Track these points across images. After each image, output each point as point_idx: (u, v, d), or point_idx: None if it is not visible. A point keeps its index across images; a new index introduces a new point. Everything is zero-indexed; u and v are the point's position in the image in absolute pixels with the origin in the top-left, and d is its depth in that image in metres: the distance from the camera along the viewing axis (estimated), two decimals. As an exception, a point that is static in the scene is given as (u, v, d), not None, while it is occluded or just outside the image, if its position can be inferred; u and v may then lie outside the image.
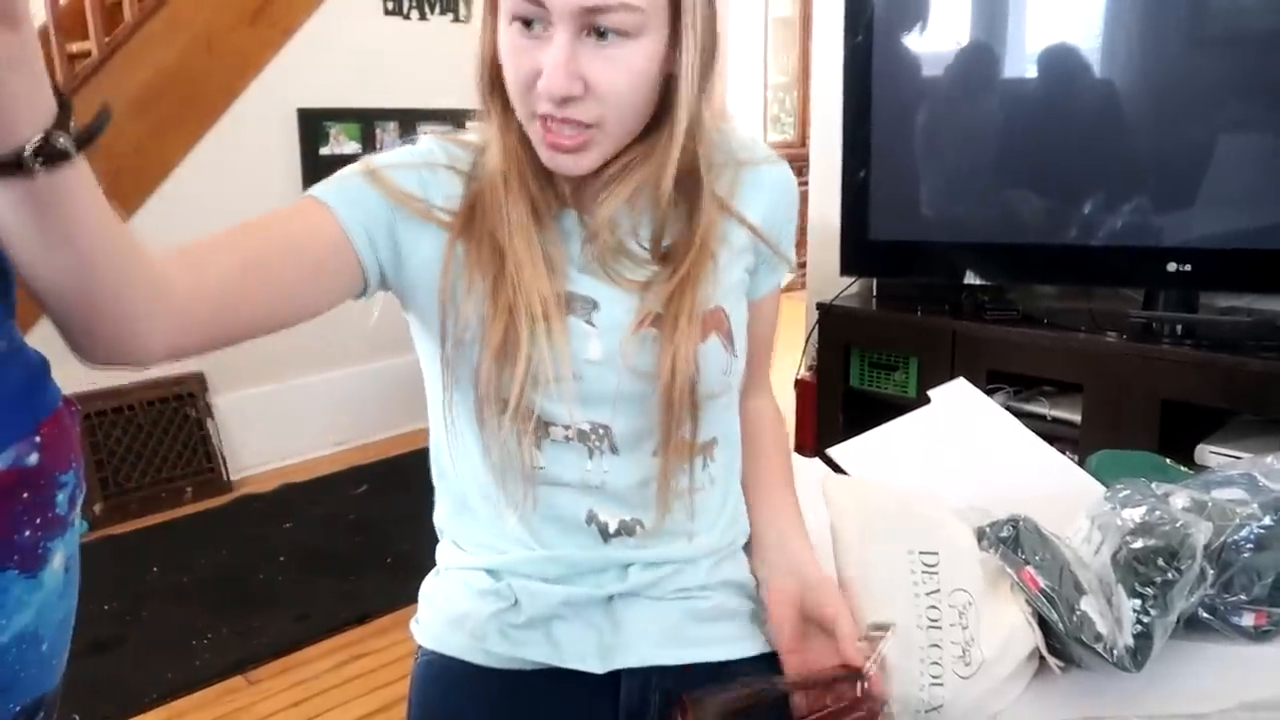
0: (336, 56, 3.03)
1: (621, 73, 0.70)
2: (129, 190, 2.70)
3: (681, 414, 0.78)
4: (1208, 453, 1.97)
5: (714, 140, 0.82)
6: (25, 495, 0.62)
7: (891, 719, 0.78)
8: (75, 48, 2.66)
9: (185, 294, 0.63)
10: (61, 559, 0.65)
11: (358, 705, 1.88)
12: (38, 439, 0.63)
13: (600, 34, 0.69)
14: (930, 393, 1.31)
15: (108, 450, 2.68)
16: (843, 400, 2.56)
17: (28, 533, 0.62)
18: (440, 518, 0.90)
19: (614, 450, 0.80)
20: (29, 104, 0.46)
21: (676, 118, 0.75)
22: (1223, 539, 0.86)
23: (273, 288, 0.69)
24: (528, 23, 0.69)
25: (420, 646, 0.88)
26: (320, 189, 0.75)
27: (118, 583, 2.32)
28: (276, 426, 3.03)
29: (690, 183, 0.79)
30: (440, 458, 0.87)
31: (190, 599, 2.26)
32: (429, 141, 0.81)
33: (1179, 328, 2.10)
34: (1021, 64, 2.25)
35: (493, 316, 0.75)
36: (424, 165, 0.79)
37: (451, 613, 0.85)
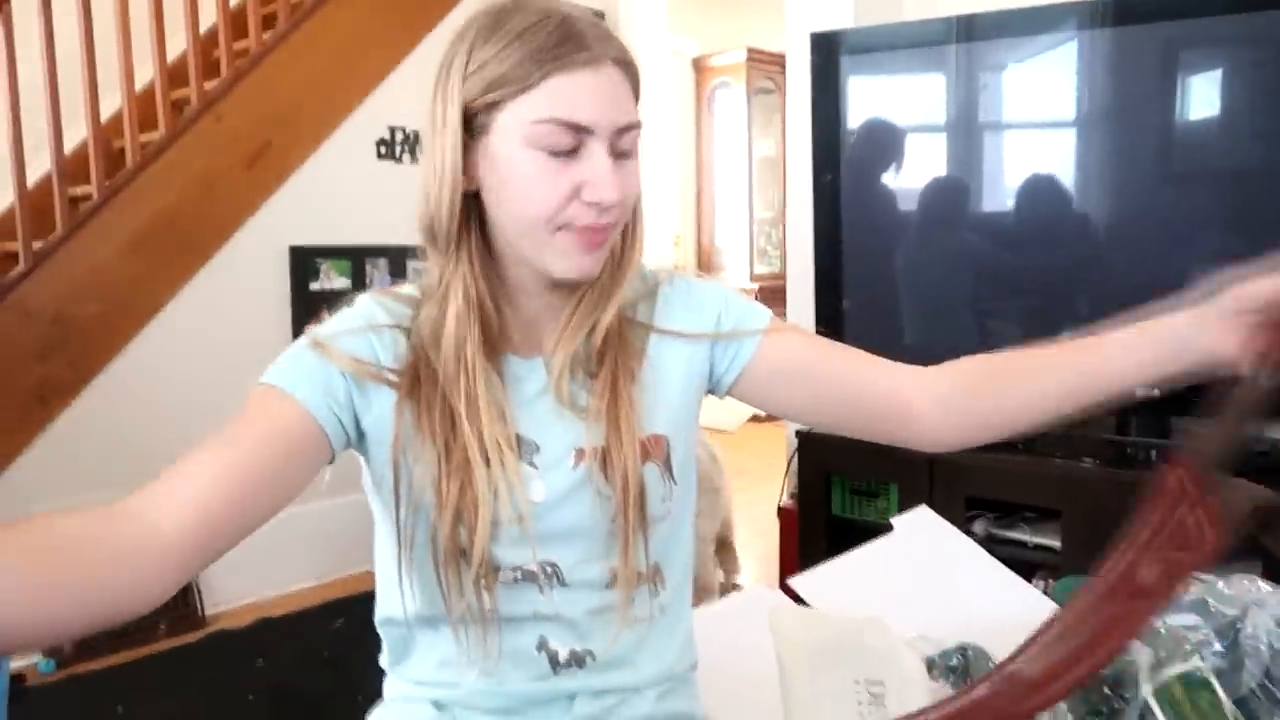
0: (329, 197, 3.15)
1: (636, 180, 0.80)
2: (123, 324, 2.75)
3: (634, 535, 0.80)
4: (1188, 579, 1.94)
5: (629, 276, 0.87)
6: None
7: None
8: (78, 190, 2.77)
9: (173, 542, 0.64)
10: None
11: None
12: None
13: (619, 155, 0.77)
14: (893, 519, 1.31)
15: (82, 585, 2.64)
16: (826, 528, 2.55)
17: None
18: (386, 659, 0.90)
19: (563, 584, 0.81)
20: None
21: (637, 236, 0.83)
22: (1171, 670, 0.86)
23: (259, 500, 0.71)
24: (560, 152, 0.75)
25: (367, 777, 0.86)
26: (276, 376, 0.77)
27: (82, 725, 2.25)
28: (255, 560, 2.98)
29: (620, 316, 0.84)
30: (388, 608, 0.87)
31: (156, 742, 2.18)
32: (367, 301, 0.84)
33: (1153, 453, 2.11)
34: (994, 198, 2.35)
35: (448, 475, 0.76)
36: (368, 328, 0.81)
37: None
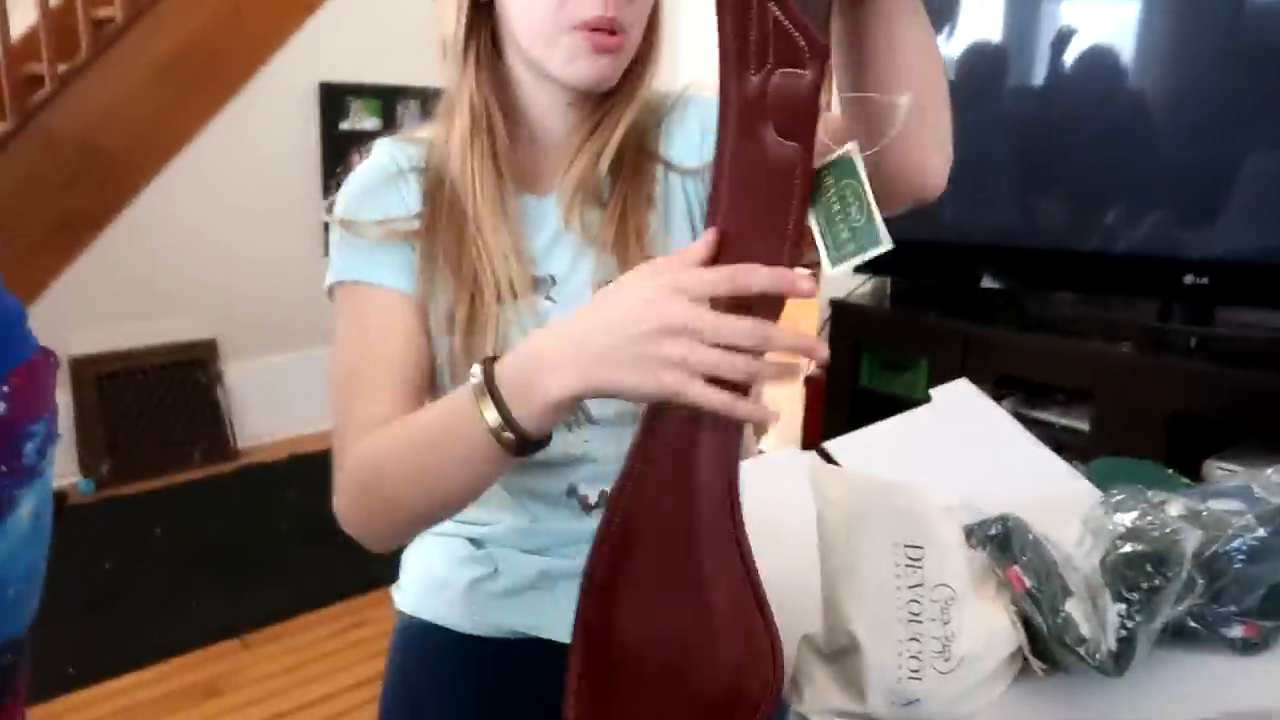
0: (361, 31, 3.03)
1: None
2: (151, 155, 2.71)
3: None
4: (1215, 469, 1.94)
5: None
6: None
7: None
8: (101, 13, 2.67)
9: None
10: (30, 507, 0.66)
11: (349, 673, 1.89)
12: (5, 388, 0.63)
13: None
14: (932, 391, 1.30)
15: (117, 412, 2.70)
16: (851, 399, 2.55)
17: None
18: None
19: (590, 420, 0.80)
20: None
21: (653, 50, 0.78)
22: (1215, 549, 0.85)
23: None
24: None
25: (400, 611, 0.89)
26: (349, 270, 0.78)
27: (119, 542, 2.34)
28: (287, 396, 3.04)
29: (630, 144, 0.80)
30: None
31: (190, 562, 2.27)
32: (384, 148, 0.83)
33: (1193, 341, 2.07)
34: (1049, 67, 2.23)
35: (465, 309, 0.76)
36: (383, 183, 0.80)
37: (431, 579, 0.86)
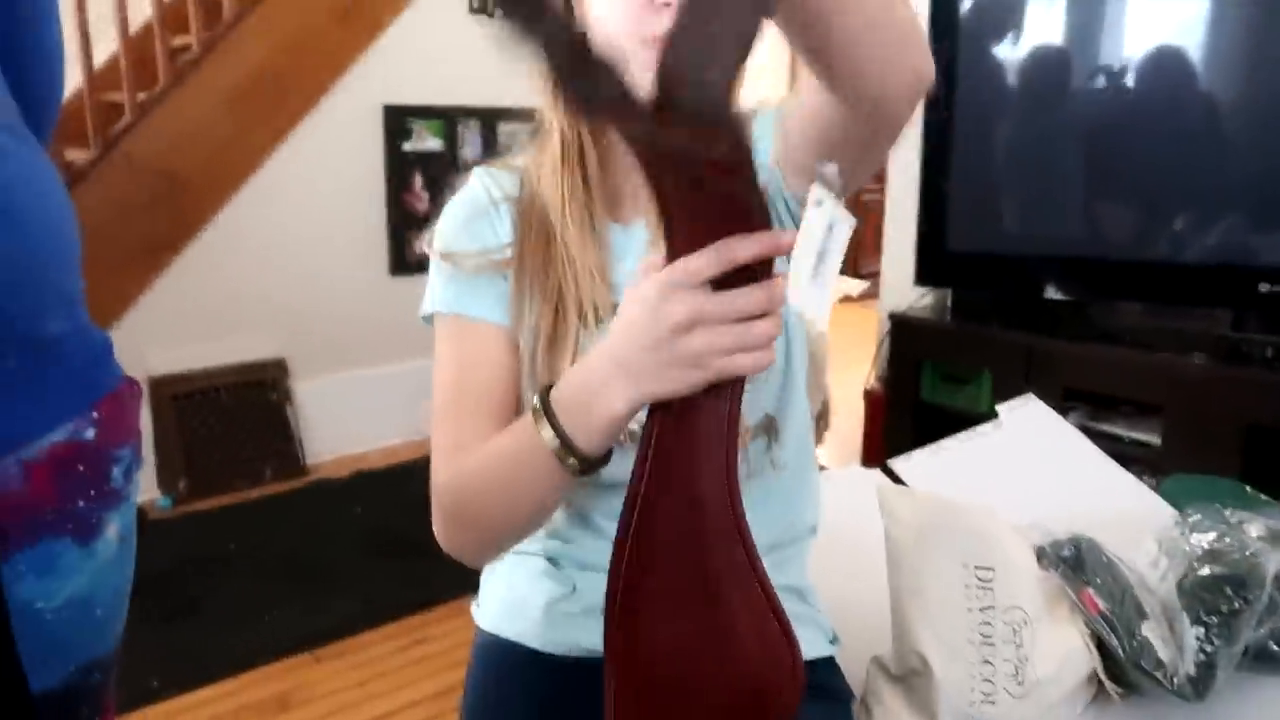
0: (422, 55, 3.10)
1: None
2: (220, 180, 2.81)
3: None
4: (1296, 483, 1.88)
5: None
6: (81, 468, 0.65)
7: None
8: (177, 41, 2.78)
9: None
10: (116, 530, 0.68)
11: (417, 689, 1.93)
12: (95, 415, 0.66)
13: None
14: (998, 407, 1.28)
15: (193, 430, 2.79)
16: (913, 413, 2.52)
17: (82, 503, 0.65)
18: None
19: None
20: None
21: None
22: (1297, 570, 0.83)
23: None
24: None
25: (479, 629, 0.91)
26: (447, 303, 0.81)
27: (197, 556, 2.42)
28: (354, 413, 3.11)
29: None
30: None
31: (264, 576, 2.34)
32: (478, 177, 0.85)
33: (1270, 350, 2.02)
34: (1113, 73, 2.19)
35: (545, 313, 0.78)
36: (478, 215, 0.82)
37: (510, 597, 0.87)
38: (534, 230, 0.80)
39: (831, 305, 0.68)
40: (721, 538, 0.59)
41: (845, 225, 0.66)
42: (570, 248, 0.78)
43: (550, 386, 0.65)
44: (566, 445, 0.63)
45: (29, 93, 0.71)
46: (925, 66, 0.64)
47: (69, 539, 0.65)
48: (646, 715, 0.62)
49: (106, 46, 2.71)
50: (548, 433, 0.63)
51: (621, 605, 0.62)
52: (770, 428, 0.83)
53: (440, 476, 0.76)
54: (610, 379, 0.60)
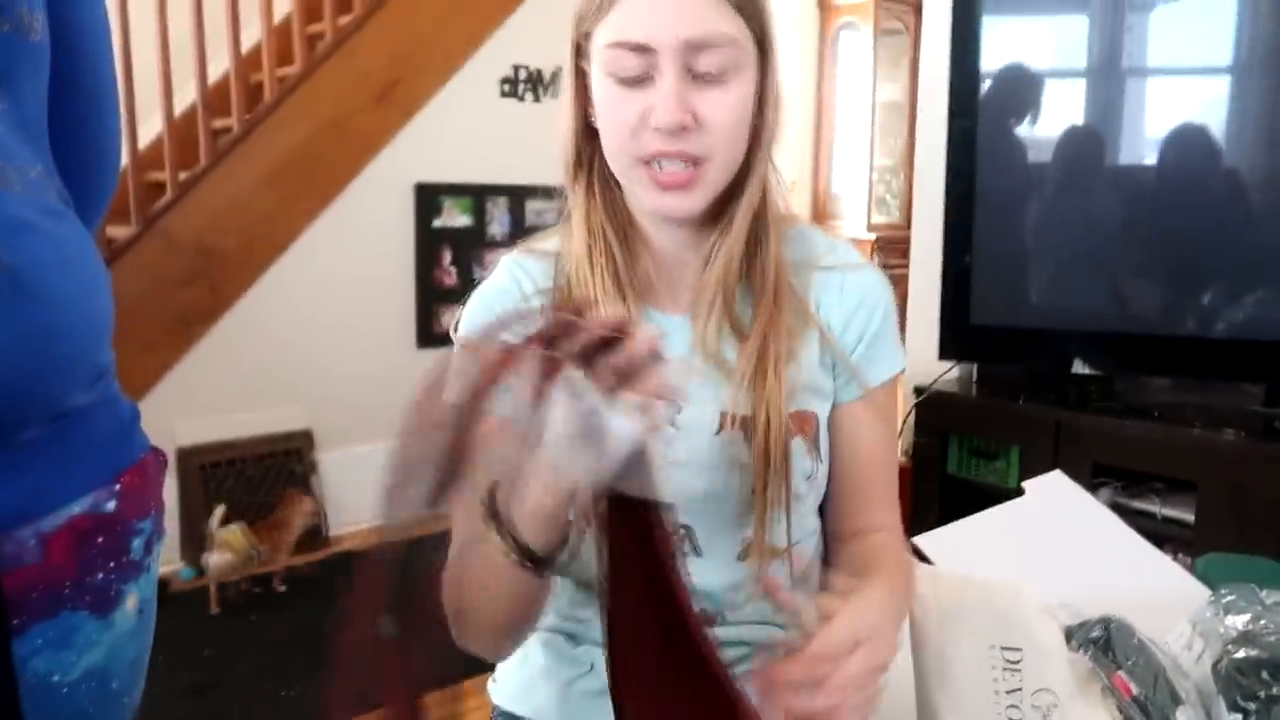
0: (454, 135, 3.19)
1: (725, 108, 0.73)
2: (259, 254, 2.88)
3: (772, 509, 0.78)
4: (1337, 563, 1.83)
5: (789, 236, 0.83)
6: (101, 540, 0.65)
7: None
8: (219, 124, 2.88)
9: None
10: (135, 602, 0.68)
11: (435, 768, 1.89)
12: (117, 487, 0.67)
13: (702, 77, 0.72)
14: (1025, 484, 1.27)
15: (218, 500, 2.80)
16: (940, 488, 2.49)
17: (101, 575, 0.65)
18: None
19: (697, 552, 0.81)
20: None
21: (754, 175, 0.77)
22: (1338, 655, 0.81)
23: None
24: (628, 80, 0.73)
25: (496, 705, 0.89)
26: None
27: (218, 630, 2.41)
28: (375, 485, 3.11)
29: (764, 272, 0.79)
30: None
31: (284, 649, 2.32)
32: (506, 267, 0.84)
33: (1304, 426, 1.99)
34: (1137, 148, 2.21)
35: None
36: (518, 304, 0.81)
37: (528, 674, 0.87)
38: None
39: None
40: (679, 634, 0.60)
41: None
42: None
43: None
44: (508, 540, 0.63)
45: (80, 177, 0.74)
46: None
47: (86, 611, 0.64)
48: None
49: (152, 127, 2.82)
50: (492, 531, 0.63)
51: (616, 687, 0.63)
52: (791, 549, 0.83)
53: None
54: (537, 469, 0.60)
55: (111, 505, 0.66)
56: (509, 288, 0.83)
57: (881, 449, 0.86)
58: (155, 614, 0.76)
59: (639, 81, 0.72)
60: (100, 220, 0.83)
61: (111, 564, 0.66)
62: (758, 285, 0.79)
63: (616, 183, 0.80)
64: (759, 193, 0.78)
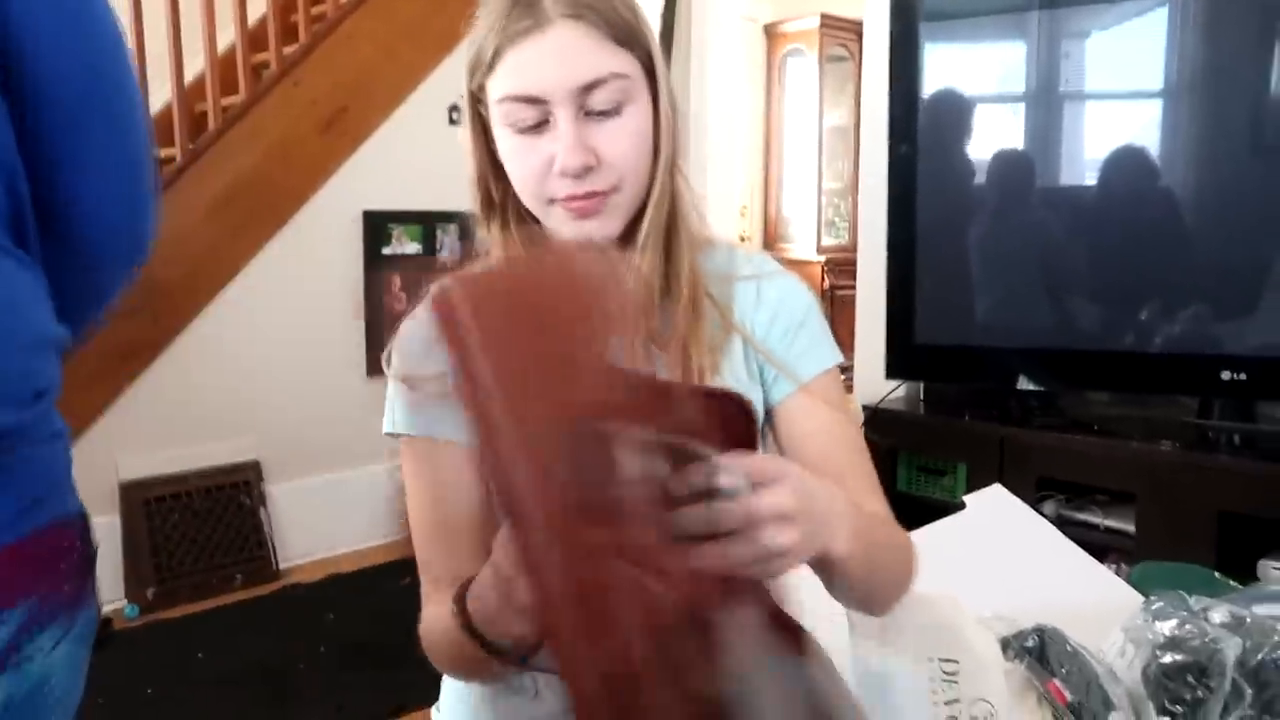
0: (402, 163, 3.18)
1: (624, 137, 0.75)
2: (204, 284, 2.84)
3: None
4: (1270, 569, 1.88)
5: (710, 253, 0.85)
6: None
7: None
8: (162, 153, 2.84)
9: None
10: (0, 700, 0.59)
11: (387, 803, 1.86)
12: None
13: (596, 114, 0.74)
14: (966, 498, 1.29)
15: (164, 535, 2.74)
16: (889, 505, 2.52)
17: None
18: None
19: None
20: None
21: (661, 192, 0.79)
22: (1261, 656, 0.83)
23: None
24: (526, 130, 0.75)
25: (439, 735, 0.89)
26: (411, 425, 0.81)
27: (164, 667, 2.35)
28: (327, 517, 3.08)
29: (679, 284, 0.81)
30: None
31: (233, 686, 2.27)
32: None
33: (1237, 437, 2.05)
34: (1076, 170, 2.27)
35: None
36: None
37: (472, 701, 0.86)
38: None
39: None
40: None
41: None
42: None
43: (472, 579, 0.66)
44: (474, 636, 0.64)
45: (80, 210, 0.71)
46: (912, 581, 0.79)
47: None
48: None
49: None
50: (463, 626, 0.65)
51: None
52: None
53: (425, 612, 0.77)
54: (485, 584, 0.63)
55: None
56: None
57: (839, 431, 0.84)
58: (90, 654, 0.73)
59: (537, 128, 0.74)
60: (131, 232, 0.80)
61: None
62: (674, 297, 0.81)
63: (532, 215, 0.81)
64: (666, 208, 0.80)
